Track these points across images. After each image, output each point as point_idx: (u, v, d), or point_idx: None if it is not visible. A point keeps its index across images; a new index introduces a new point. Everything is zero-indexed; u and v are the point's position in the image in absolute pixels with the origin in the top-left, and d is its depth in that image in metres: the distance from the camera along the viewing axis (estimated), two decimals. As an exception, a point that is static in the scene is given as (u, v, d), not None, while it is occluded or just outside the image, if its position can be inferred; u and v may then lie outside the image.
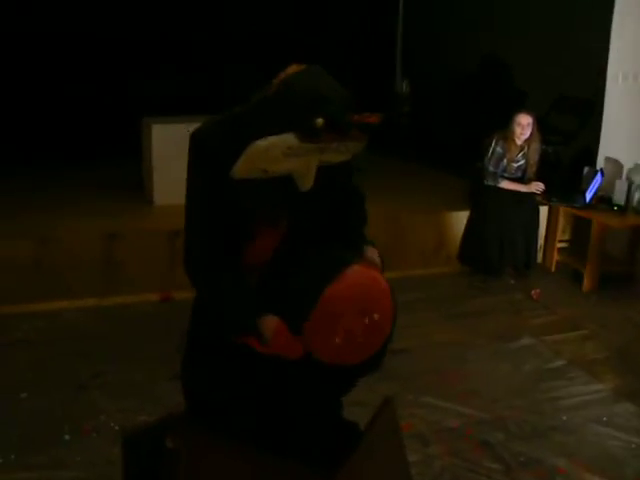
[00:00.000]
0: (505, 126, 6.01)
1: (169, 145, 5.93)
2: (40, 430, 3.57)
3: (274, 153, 1.96)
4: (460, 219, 6.33)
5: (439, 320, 5.14)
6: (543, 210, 6.40)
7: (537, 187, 6.10)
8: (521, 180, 6.12)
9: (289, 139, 1.94)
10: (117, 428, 3.52)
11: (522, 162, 6.09)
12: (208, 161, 2.09)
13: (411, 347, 4.58)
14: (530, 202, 6.14)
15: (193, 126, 2.23)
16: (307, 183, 2.07)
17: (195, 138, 2.15)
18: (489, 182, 6.04)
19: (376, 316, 2.04)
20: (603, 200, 6.19)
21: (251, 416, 2.25)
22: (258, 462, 2.20)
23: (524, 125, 5.90)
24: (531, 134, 5.95)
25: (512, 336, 4.90)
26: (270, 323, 2.06)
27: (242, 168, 2.00)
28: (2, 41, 8.37)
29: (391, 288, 2.11)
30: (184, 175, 2.21)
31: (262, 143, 1.95)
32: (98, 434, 3.53)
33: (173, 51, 9.04)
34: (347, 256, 2.14)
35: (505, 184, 6.04)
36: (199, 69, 9.04)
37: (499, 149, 5.99)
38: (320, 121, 1.90)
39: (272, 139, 1.94)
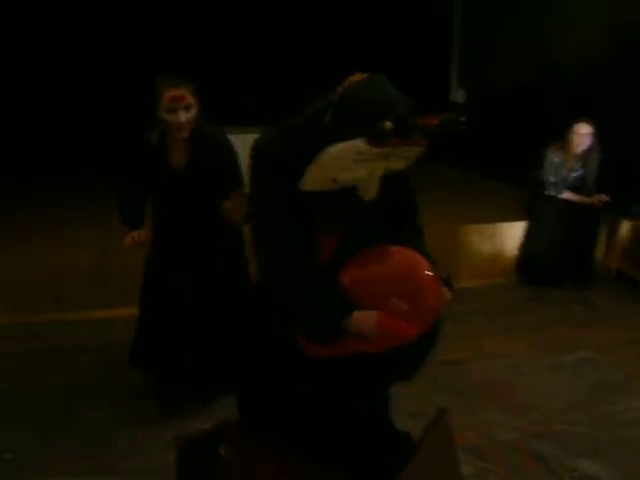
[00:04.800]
0: (564, 136, 5.93)
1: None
2: (95, 436, 3.64)
3: (344, 160, 1.97)
4: (517, 230, 6.26)
5: (495, 332, 5.08)
6: (602, 220, 6.28)
7: (600, 199, 5.99)
8: (580, 189, 6.02)
9: (359, 144, 1.95)
10: (171, 437, 3.55)
11: (581, 172, 5.99)
12: (273, 172, 2.11)
13: (466, 359, 4.54)
14: (589, 212, 6.03)
15: (246, 136, 2.25)
16: (371, 192, 2.08)
17: (258, 148, 2.16)
18: (551, 192, 5.96)
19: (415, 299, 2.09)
20: (663, 210, 6.06)
21: (304, 427, 2.25)
22: (310, 473, 2.20)
23: (583, 135, 5.80)
24: (590, 144, 5.85)
25: (569, 348, 4.82)
26: (367, 315, 2.08)
27: (312, 179, 2.02)
28: (64, 45, 8.60)
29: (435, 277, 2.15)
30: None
31: (332, 150, 1.96)
32: (152, 442, 3.58)
33: (229, 63, 9.14)
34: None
35: (567, 195, 5.96)
36: (254, 80, 9.11)
37: (557, 159, 5.90)
38: (389, 124, 1.91)
39: (342, 145, 1.96)
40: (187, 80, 3.45)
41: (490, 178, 8.14)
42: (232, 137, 5.88)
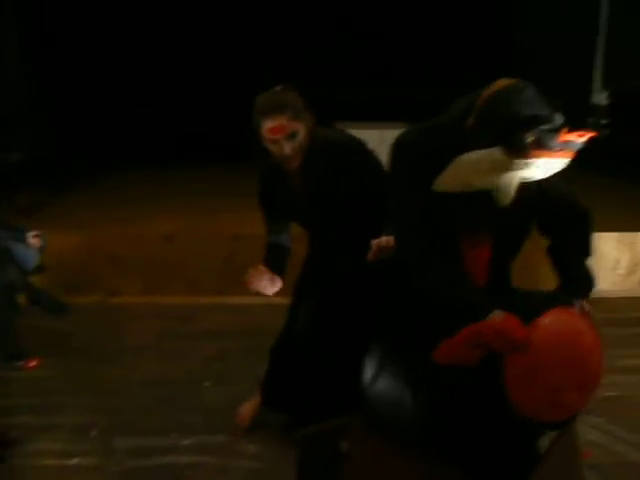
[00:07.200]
0: None
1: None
2: (220, 418, 3.74)
3: (480, 167, 1.98)
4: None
5: (630, 345, 4.85)
6: None
7: None
8: None
9: (496, 153, 1.95)
10: (293, 427, 3.59)
11: None
12: (412, 169, 2.13)
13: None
14: None
15: (387, 132, 2.27)
16: (506, 198, 2.07)
17: (399, 145, 2.19)
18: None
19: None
20: None
21: (429, 427, 2.23)
22: (433, 473, 2.18)
23: None
24: None
25: None
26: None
27: (446, 181, 2.05)
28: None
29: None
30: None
31: (469, 157, 1.99)
32: (273, 429, 3.59)
33: (368, 57, 9.17)
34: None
35: None
36: (391, 75, 9.12)
37: None
38: (529, 137, 1.89)
39: (479, 153, 1.98)
40: (286, 102, 2.90)
41: (633, 183, 7.80)
42: (368, 133, 5.92)
